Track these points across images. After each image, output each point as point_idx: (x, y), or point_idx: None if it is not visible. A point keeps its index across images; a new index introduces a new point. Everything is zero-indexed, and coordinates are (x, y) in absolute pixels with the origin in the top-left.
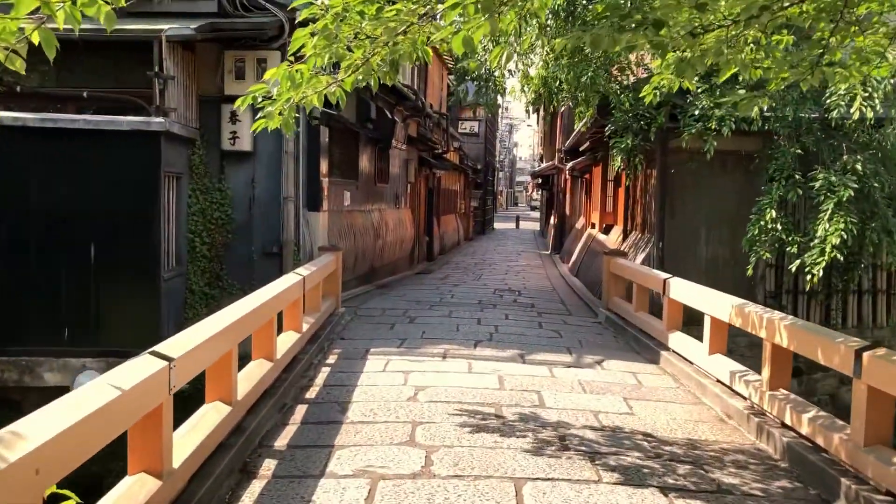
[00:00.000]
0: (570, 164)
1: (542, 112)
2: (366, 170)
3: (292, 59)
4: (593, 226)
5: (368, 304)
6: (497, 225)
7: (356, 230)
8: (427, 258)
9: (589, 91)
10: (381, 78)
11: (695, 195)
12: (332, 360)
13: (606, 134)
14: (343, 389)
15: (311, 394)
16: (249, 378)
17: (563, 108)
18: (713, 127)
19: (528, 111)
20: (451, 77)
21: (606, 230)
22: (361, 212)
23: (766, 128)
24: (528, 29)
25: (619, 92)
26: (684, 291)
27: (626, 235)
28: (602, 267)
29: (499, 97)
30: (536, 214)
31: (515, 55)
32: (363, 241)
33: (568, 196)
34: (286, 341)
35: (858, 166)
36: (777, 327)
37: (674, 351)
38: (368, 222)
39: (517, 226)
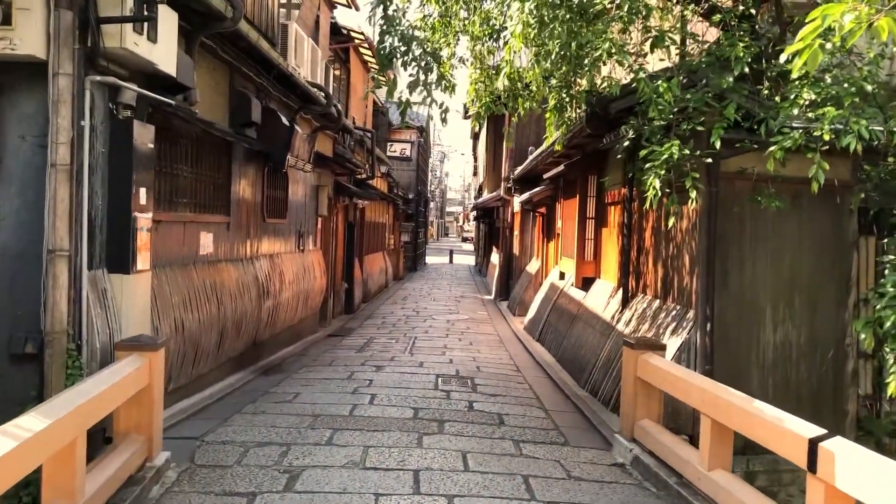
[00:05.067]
0: (523, 196)
1: (484, 134)
2: (246, 198)
3: None
4: (562, 276)
5: (226, 430)
6: (430, 259)
7: (224, 291)
8: (346, 310)
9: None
10: None
11: (755, 249)
12: None
13: (622, 146)
14: None
15: None
16: None
17: (511, 141)
18: (823, 135)
19: (477, 123)
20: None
21: (585, 285)
22: (236, 262)
23: (876, 142)
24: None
25: (650, 79)
26: (867, 477)
27: (628, 299)
28: (597, 347)
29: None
30: (469, 247)
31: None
32: (238, 307)
33: (517, 232)
34: None
35: None
36: None
37: None
38: (249, 276)
39: (451, 260)
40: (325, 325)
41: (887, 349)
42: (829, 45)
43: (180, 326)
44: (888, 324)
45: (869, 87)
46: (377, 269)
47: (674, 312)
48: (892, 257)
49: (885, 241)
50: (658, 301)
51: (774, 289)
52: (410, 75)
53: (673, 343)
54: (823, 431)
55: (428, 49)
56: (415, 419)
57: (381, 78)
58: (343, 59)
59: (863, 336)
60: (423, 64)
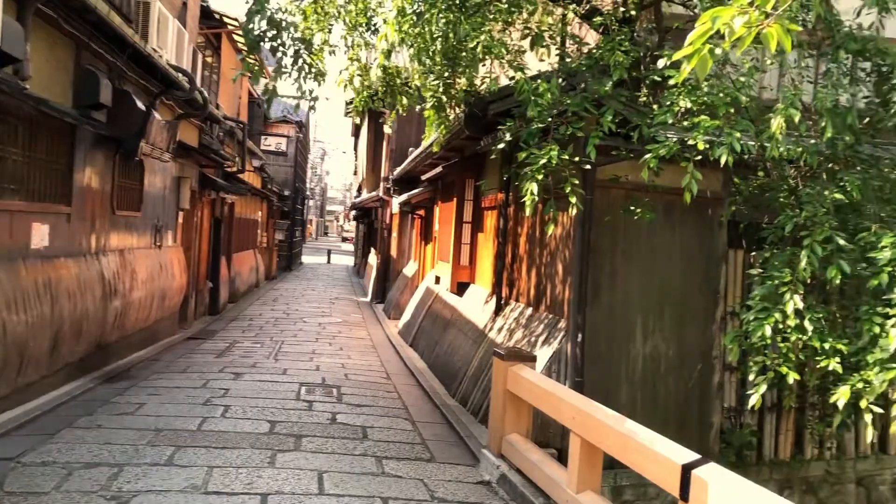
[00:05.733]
0: (402, 197)
1: (364, 132)
2: (92, 187)
3: None
4: (437, 280)
5: (50, 448)
6: (306, 259)
7: (61, 290)
8: (210, 311)
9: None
10: None
11: (628, 259)
12: None
13: (499, 150)
14: None
15: None
16: None
17: (391, 130)
18: (697, 144)
19: (357, 118)
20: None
21: (460, 290)
22: (77, 257)
23: (747, 155)
24: None
25: (530, 80)
26: None
27: (501, 306)
28: (469, 355)
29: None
30: (349, 247)
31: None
32: (79, 307)
33: (395, 234)
34: None
35: None
36: None
37: None
38: (93, 273)
39: (329, 261)
40: (185, 327)
41: (752, 362)
42: (718, 51)
43: (1, 329)
44: (755, 337)
45: (744, 99)
46: (247, 268)
47: (546, 321)
48: (759, 271)
49: (753, 254)
50: (531, 309)
51: (645, 300)
52: (280, 63)
53: (544, 353)
54: (697, 457)
55: (298, 36)
56: (270, 434)
57: (251, 60)
58: (215, 45)
59: (730, 348)
60: (292, 51)
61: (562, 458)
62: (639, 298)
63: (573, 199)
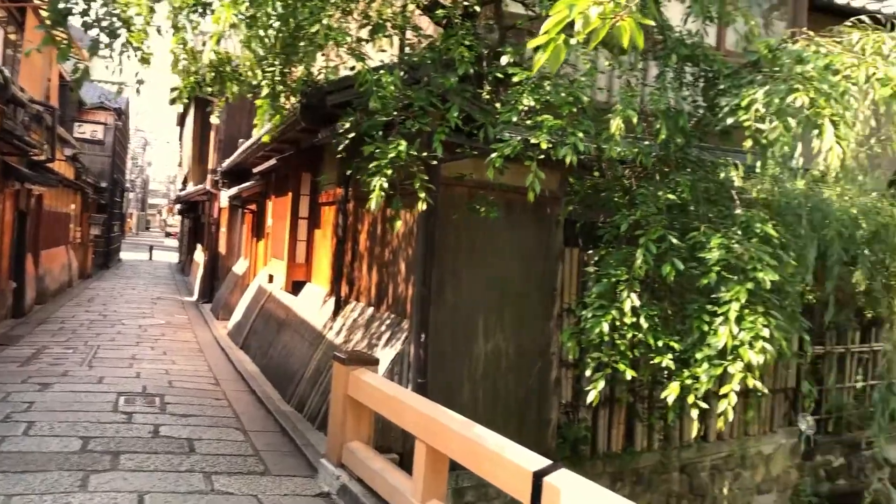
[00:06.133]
0: (231, 190)
1: (190, 121)
2: None
3: None
4: (271, 279)
5: None
6: (126, 255)
7: None
8: (14, 314)
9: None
10: None
11: (471, 257)
12: None
13: (339, 143)
14: None
15: None
16: None
17: (220, 120)
18: (541, 143)
19: (182, 106)
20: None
21: (295, 289)
22: None
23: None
24: None
25: (372, 70)
26: None
27: (340, 306)
28: (305, 358)
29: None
30: (173, 243)
31: None
32: None
33: (224, 230)
34: None
35: (770, 228)
36: None
37: None
38: None
39: (151, 257)
40: None
41: (589, 359)
42: (573, 41)
43: None
44: (593, 334)
45: (585, 99)
46: (58, 266)
47: (388, 322)
48: (595, 269)
49: (590, 252)
50: (372, 309)
51: (488, 298)
52: (96, 41)
53: (387, 355)
54: (548, 462)
55: (114, 10)
56: (82, 452)
57: (61, 35)
58: (19, 20)
59: (568, 345)
60: (106, 26)
61: (404, 462)
62: (481, 297)
63: (422, 195)
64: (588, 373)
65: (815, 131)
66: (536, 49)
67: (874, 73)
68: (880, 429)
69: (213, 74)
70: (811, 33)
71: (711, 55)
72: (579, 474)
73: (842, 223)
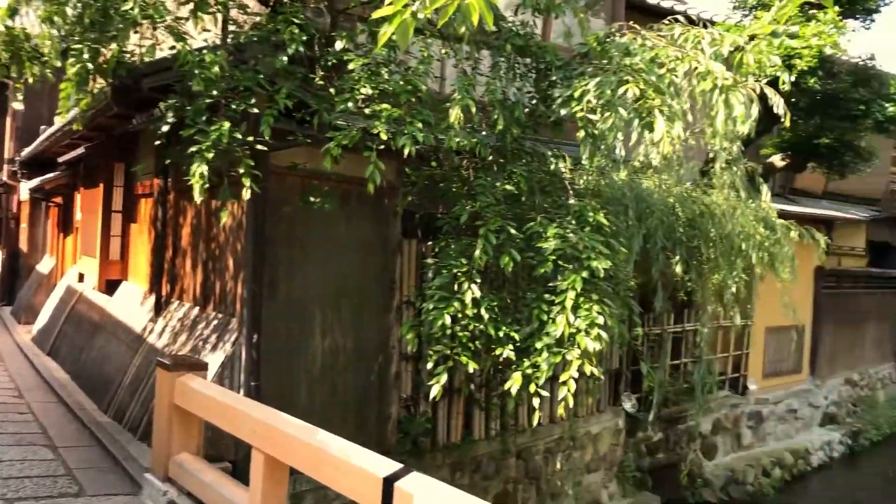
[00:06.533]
0: (32, 182)
1: None
2: None
3: None
4: (81, 278)
5: None
6: None
7: None
8: None
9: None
10: None
11: (305, 251)
12: None
13: (158, 129)
14: None
15: None
16: None
17: (21, 105)
18: (381, 133)
19: None
20: None
21: (110, 288)
22: None
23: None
24: None
25: (194, 51)
26: None
27: (161, 306)
28: (124, 363)
29: None
30: None
31: None
32: None
33: (25, 225)
34: None
35: (601, 217)
36: None
37: None
38: None
39: None
40: None
41: (431, 352)
42: (421, 16)
43: None
44: (435, 327)
45: (423, 87)
46: None
47: (216, 322)
48: (435, 260)
49: (430, 243)
50: (198, 309)
51: (324, 293)
52: None
53: (216, 358)
54: (399, 467)
55: None
56: None
57: None
58: None
59: (407, 338)
60: None
61: (238, 470)
62: (317, 292)
63: (247, 182)
64: (430, 366)
65: (641, 122)
66: (377, 25)
67: (696, 68)
68: (700, 406)
69: (8, 55)
70: (638, 27)
71: (543, 46)
72: (420, 468)
73: (662, 212)
